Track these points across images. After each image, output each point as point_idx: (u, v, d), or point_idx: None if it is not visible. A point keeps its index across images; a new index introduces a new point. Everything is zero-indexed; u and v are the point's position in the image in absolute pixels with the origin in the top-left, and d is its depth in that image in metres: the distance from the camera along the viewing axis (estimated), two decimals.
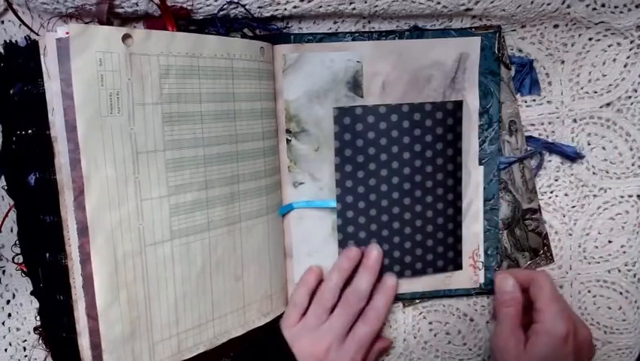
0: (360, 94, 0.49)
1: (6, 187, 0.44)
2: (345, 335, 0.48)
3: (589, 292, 0.55)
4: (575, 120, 0.52)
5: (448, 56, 0.49)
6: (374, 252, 0.50)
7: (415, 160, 0.49)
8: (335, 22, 0.49)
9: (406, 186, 0.50)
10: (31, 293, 0.46)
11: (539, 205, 0.53)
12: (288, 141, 0.49)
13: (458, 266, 0.53)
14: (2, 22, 0.45)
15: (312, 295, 0.50)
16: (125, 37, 0.36)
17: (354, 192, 0.50)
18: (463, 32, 0.49)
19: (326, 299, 0.48)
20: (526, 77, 0.51)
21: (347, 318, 0.48)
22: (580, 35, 0.50)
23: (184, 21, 0.45)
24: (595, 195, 0.54)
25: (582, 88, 0.52)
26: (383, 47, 0.49)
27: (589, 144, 0.53)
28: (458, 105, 0.50)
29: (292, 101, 0.49)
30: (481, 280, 0.54)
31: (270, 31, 0.47)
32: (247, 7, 0.44)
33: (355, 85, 0.49)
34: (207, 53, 0.41)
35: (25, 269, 0.45)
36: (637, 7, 0.48)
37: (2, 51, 0.42)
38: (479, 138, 0.51)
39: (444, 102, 0.49)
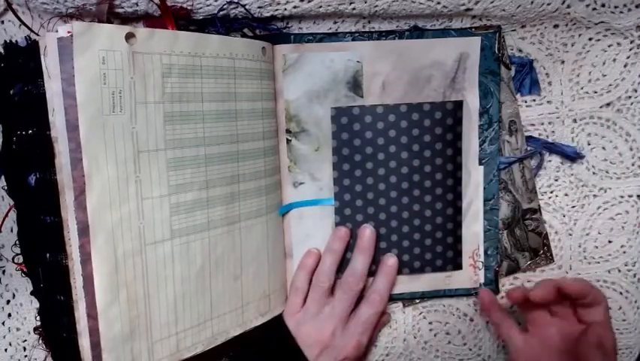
0: (360, 94, 0.49)
1: (6, 187, 0.44)
2: (347, 318, 0.49)
3: None
4: (575, 120, 0.52)
5: (448, 56, 0.49)
6: (367, 232, 0.50)
7: (414, 160, 0.49)
8: (335, 22, 0.49)
9: (404, 185, 0.50)
10: (31, 293, 0.46)
11: (539, 205, 0.54)
12: (288, 141, 0.49)
13: (458, 266, 0.53)
14: (2, 22, 0.45)
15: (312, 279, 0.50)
16: (129, 35, 0.36)
17: (352, 190, 0.50)
18: (463, 32, 0.49)
19: (322, 282, 0.49)
20: (526, 77, 0.51)
21: (347, 301, 0.49)
22: (580, 35, 0.51)
23: (184, 21, 0.45)
24: (595, 195, 0.54)
25: (582, 88, 0.52)
26: (383, 47, 0.49)
27: (589, 144, 0.53)
28: (458, 105, 0.50)
29: (292, 101, 0.49)
30: (481, 280, 0.54)
31: (270, 31, 0.47)
32: (247, 7, 0.44)
33: (355, 85, 0.49)
34: (210, 52, 0.41)
35: (25, 269, 0.45)
36: (637, 7, 0.48)
37: (2, 51, 0.42)
38: (479, 138, 0.51)
39: (443, 102, 0.49)
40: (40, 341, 0.48)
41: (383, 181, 0.50)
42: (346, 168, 0.49)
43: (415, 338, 0.55)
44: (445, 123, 0.49)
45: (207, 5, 0.44)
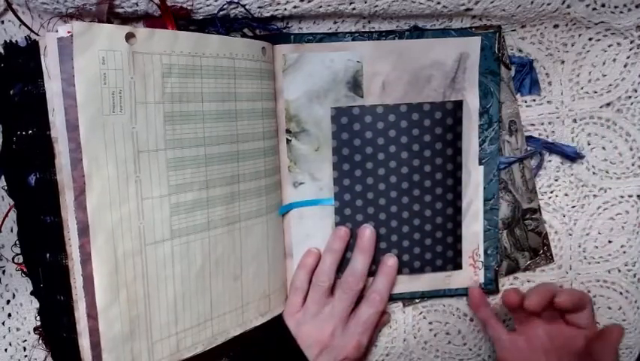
0: (360, 94, 0.49)
1: (6, 187, 0.44)
2: (347, 318, 0.49)
3: (589, 292, 0.55)
4: (575, 120, 0.52)
5: (448, 56, 0.49)
6: (367, 232, 0.50)
7: (414, 159, 0.49)
8: (335, 22, 0.49)
9: (404, 185, 0.50)
10: (31, 293, 0.46)
11: (539, 205, 0.54)
12: (288, 141, 0.49)
13: (458, 266, 0.53)
14: (2, 22, 0.45)
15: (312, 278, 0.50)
16: (129, 35, 0.36)
17: (352, 190, 0.50)
18: (463, 32, 0.49)
19: (322, 282, 0.49)
20: (526, 77, 0.51)
21: (347, 301, 0.49)
22: (580, 35, 0.51)
23: (184, 21, 0.45)
24: (595, 195, 0.54)
25: (582, 88, 0.52)
26: (383, 47, 0.49)
27: (589, 144, 0.53)
28: (458, 105, 0.50)
29: (292, 101, 0.49)
30: (481, 279, 0.54)
31: (270, 31, 0.47)
32: (247, 7, 0.44)
33: (355, 85, 0.49)
34: (210, 52, 0.41)
35: (25, 269, 0.45)
36: (637, 7, 0.48)
37: (2, 51, 0.42)
38: (479, 138, 0.51)
39: (443, 102, 0.49)
40: (40, 341, 0.48)
41: (383, 181, 0.50)
42: (346, 168, 0.49)
43: (415, 338, 0.55)
44: (445, 123, 0.49)
45: (207, 5, 0.44)
